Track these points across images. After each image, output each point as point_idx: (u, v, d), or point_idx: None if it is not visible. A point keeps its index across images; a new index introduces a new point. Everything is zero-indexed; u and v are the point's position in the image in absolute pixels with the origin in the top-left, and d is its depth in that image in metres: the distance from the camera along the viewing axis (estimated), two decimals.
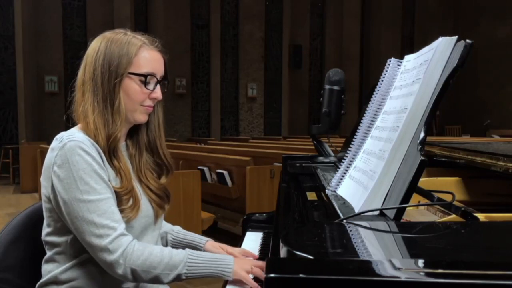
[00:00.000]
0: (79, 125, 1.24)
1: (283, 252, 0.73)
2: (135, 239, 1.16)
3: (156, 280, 1.14)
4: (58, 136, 1.19)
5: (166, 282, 1.16)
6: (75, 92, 1.26)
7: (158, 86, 1.26)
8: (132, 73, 1.21)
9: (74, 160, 1.13)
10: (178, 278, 1.16)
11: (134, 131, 1.33)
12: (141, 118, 1.27)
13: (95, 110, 1.20)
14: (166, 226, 1.47)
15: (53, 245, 1.23)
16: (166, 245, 1.45)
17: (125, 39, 1.23)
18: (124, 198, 1.19)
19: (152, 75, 1.24)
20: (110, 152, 1.20)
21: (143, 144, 1.33)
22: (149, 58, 1.24)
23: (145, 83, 1.23)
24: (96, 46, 1.23)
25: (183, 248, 1.40)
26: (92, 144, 1.17)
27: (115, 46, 1.21)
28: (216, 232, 4.68)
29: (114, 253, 1.11)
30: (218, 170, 4.40)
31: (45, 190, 1.20)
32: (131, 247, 1.13)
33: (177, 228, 1.48)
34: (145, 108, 1.26)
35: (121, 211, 1.18)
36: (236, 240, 1.70)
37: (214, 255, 1.22)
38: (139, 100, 1.24)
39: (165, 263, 1.14)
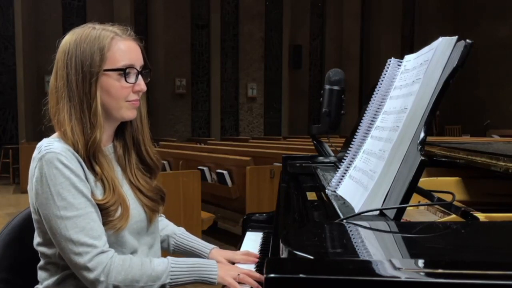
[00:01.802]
0: (58, 133, 1.17)
1: (283, 252, 0.73)
2: (115, 254, 1.12)
3: None
4: (38, 145, 1.13)
5: None
6: (47, 100, 1.19)
7: (140, 77, 1.18)
8: (108, 69, 1.14)
9: (51, 173, 1.08)
10: (162, 287, 1.13)
11: (120, 131, 1.26)
12: (129, 114, 1.19)
13: (72, 117, 1.13)
14: (168, 228, 1.43)
15: (44, 255, 1.21)
16: (168, 249, 1.42)
17: (94, 34, 1.15)
18: (111, 209, 1.14)
19: (131, 66, 1.16)
20: (90, 158, 1.14)
21: (130, 142, 1.26)
22: (124, 49, 1.16)
23: (125, 77, 1.15)
24: (65, 47, 1.16)
25: (185, 255, 1.38)
26: (72, 154, 1.11)
27: (85, 44, 1.13)
28: (216, 232, 4.68)
29: (94, 271, 1.08)
30: (218, 170, 4.40)
31: (31, 200, 1.16)
32: (111, 263, 1.09)
33: (181, 231, 1.43)
34: (131, 103, 1.18)
35: (109, 222, 1.14)
36: (236, 240, 1.70)
37: (197, 261, 1.19)
38: (122, 96, 1.16)
39: (148, 275, 1.11)
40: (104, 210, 1.14)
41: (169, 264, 1.14)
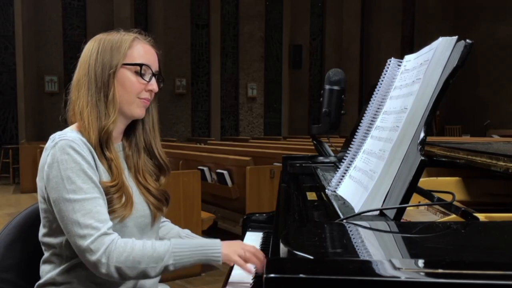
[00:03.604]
0: (74, 125, 1.24)
1: (283, 252, 0.73)
2: (118, 237, 1.14)
3: (144, 274, 1.12)
4: (51, 136, 1.19)
5: (154, 275, 1.13)
6: (70, 93, 1.27)
7: (153, 78, 1.26)
8: (127, 63, 1.22)
9: (62, 159, 1.13)
10: (166, 269, 1.13)
11: (131, 132, 1.32)
12: (138, 111, 1.26)
13: (89, 103, 1.20)
14: (173, 231, 1.45)
15: (49, 246, 1.23)
16: None
17: (117, 35, 1.25)
18: (115, 197, 1.18)
19: (147, 66, 1.24)
20: (102, 144, 1.19)
21: (141, 145, 1.32)
22: (142, 50, 1.25)
23: (141, 74, 1.23)
24: (89, 46, 1.25)
25: None
26: (84, 143, 1.16)
27: (108, 42, 1.23)
28: (216, 232, 4.68)
29: (96, 253, 1.09)
30: (218, 170, 4.40)
31: (40, 190, 1.20)
32: (113, 244, 1.11)
33: (186, 233, 1.44)
34: (142, 101, 1.25)
35: (114, 211, 1.17)
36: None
37: (201, 241, 1.20)
38: (136, 91, 1.23)
39: (149, 255, 1.12)
40: (110, 196, 1.17)
41: (171, 245, 1.15)
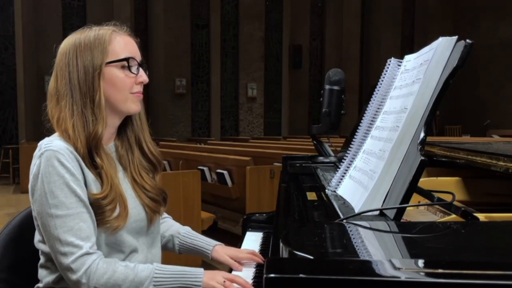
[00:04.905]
0: (58, 132, 1.18)
1: (283, 252, 0.73)
2: (100, 257, 1.11)
3: None
4: (39, 143, 1.15)
5: None
6: (47, 102, 1.20)
7: (141, 69, 1.21)
8: (111, 61, 1.16)
9: (46, 171, 1.09)
10: None
11: (121, 130, 1.28)
12: (134, 107, 1.21)
13: (74, 112, 1.14)
14: (173, 228, 1.43)
15: (44, 253, 1.21)
16: (173, 249, 1.42)
17: (92, 32, 1.19)
18: (107, 209, 1.14)
19: (132, 58, 1.19)
20: (92, 151, 1.14)
21: (133, 141, 1.28)
22: (123, 43, 1.19)
23: (129, 68, 1.18)
24: (65, 49, 1.19)
25: (190, 253, 1.38)
26: (70, 152, 1.12)
27: (85, 42, 1.17)
28: (216, 232, 4.68)
29: (77, 272, 1.08)
30: (218, 170, 4.40)
31: (31, 198, 1.17)
32: (94, 265, 1.09)
33: (185, 230, 1.43)
34: (135, 95, 1.20)
35: (106, 222, 1.14)
36: (236, 240, 1.70)
37: (183, 269, 1.16)
38: (127, 87, 1.19)
39: (130, 280, 1.10)
40: (100, 209, 1.14)
41: (153, 271, 1.13)
